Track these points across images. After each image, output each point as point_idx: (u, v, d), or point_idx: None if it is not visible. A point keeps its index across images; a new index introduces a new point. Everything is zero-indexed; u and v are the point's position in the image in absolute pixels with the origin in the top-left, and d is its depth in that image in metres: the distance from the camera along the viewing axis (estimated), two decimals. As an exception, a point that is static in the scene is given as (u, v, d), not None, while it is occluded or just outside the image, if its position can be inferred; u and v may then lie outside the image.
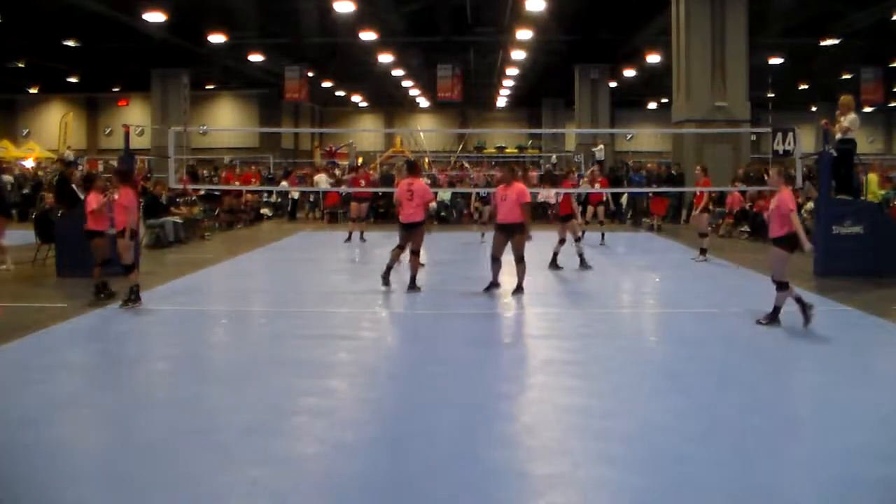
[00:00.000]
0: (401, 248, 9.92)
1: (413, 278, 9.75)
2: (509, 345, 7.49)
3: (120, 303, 8.61)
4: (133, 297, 8.62)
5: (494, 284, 9.54)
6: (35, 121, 42.78)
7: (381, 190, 18.72)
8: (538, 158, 38.98)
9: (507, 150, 44.52)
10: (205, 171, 25.20)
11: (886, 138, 46.88)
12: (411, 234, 9.74)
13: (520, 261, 9.36)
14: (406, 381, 6.09)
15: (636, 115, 44.93)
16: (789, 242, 7.49)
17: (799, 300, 7.40)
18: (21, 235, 13.04)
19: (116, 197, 8.85)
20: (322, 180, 21.96)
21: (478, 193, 18.09)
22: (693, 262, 12.54)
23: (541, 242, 11.18)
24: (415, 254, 9.76)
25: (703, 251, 12.62)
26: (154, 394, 5.73)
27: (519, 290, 9.39)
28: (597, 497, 3.95)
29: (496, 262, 9.47)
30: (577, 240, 12.04)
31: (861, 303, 8.36)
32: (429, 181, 16.49)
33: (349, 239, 15.82)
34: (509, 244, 9.37)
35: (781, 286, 7.48)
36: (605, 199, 16.20)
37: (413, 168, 10.45)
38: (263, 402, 5.40)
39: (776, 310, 7.51)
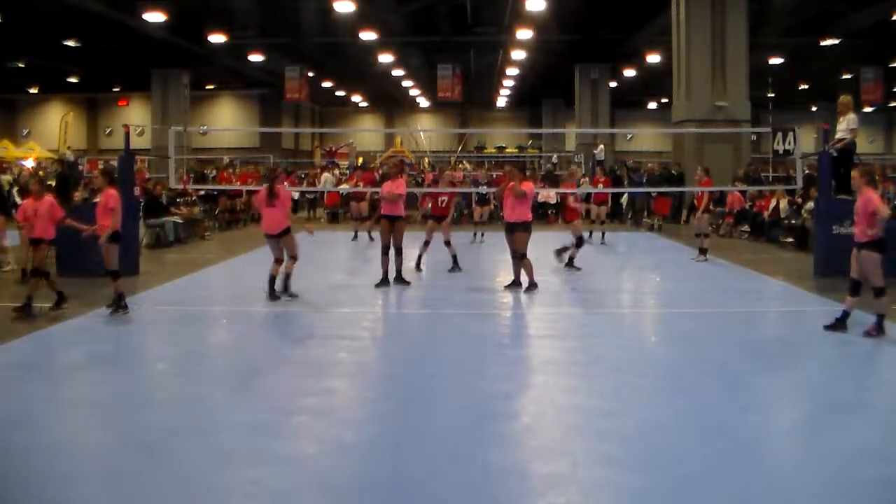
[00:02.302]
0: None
1: (396, 272, 10.08)
2: (509, 344, 7.49)
3: (110, 311, 8.21)
4: (123, 305, 8.18)
5: (516, 283, 9.75)
6: (35, 121, 42.72)
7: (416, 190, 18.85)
8: (538, 158, 38.98)
9: (508, 150, 44.51)
10: (207, 172, 25.13)
11: (886, 138, 46.85)
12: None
13: (521, 258, 9.52)
14: (406, 380, 6.09)
15: (636, 115, 44.88)
16: (879, 245, 7.20)
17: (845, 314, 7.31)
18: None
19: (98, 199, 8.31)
20: (327, 179, 22.08)
21: (476, 194, 18.08)
22: (693, 262, 12.53)
23: (544, 242, 11.19)
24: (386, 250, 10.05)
25: (702, 251, 12.61)
26: (154, 394, 5.73)
27: (516, 285, 9.57)
28: (597, 497, 3.95)
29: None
30: (447, 243, 11.51)
31: (861, 303, 8.34)
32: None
33: (356, 237, 16.20)
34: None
35: (880, 292, 7.22)
36: (607, 199, 16.31)
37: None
38: (263, 402, 5.41)
39: (879, 318, 7.22)
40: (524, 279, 9.66)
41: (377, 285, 9.92)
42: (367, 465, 4.32)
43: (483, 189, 17.58)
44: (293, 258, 9.11)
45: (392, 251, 9.95)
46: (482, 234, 16.05)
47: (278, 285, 9.07)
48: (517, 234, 9.51)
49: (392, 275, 10.08)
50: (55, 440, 4.62)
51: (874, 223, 7.14)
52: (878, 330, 7.18)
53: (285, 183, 10.54)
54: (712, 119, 18.68)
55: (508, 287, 9.70)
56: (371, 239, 15.74)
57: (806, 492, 3.98)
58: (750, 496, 3.91)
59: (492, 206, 18.01)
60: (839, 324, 7.36)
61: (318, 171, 26.23)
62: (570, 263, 11.62)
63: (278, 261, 9.05)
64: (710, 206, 13.35)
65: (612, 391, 5.70)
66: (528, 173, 21.37)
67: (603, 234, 15.78)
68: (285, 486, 4.02)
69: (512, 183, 9.60)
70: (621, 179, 21.93)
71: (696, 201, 13.38)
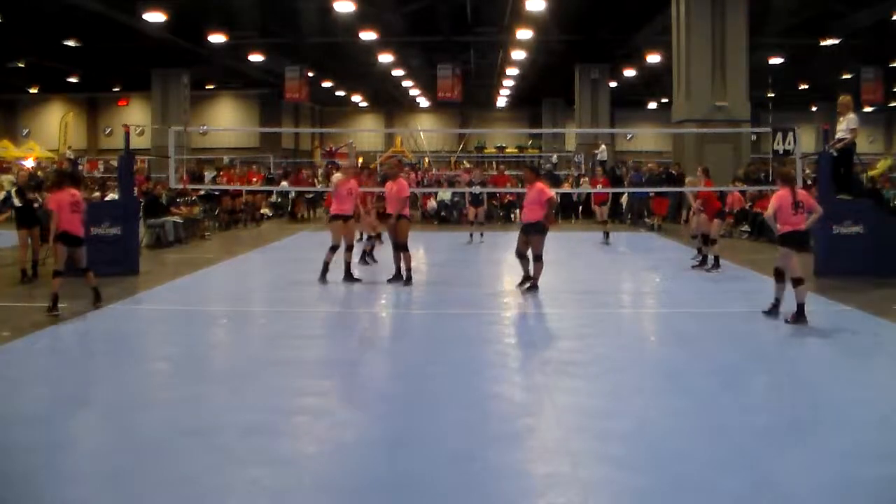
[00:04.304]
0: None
1: (398, 271, 10.28)
2: (509, 345, 7.48)
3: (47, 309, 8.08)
4: (52, 306, 8.07)
5: (526, 279, 9.75)
6: (35, 121, 42.73)
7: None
8: (538, 158, 39.00)
9: (508, 150, 44.51)
10: (206, 172, 25.12)
11: (886, 138, 46.86)
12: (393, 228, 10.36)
13: (537, 259, 9.55)
14: (406, 380, 6.09)
15: (636, 115, 44.87)
16: (785, 240, 7.73)
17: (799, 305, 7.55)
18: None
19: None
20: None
21: (472, 194, 18.06)
22: (703, 269, 12.03)
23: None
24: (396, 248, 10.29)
25: (716, 259, 11.74)
26: (154, 394, 5.73)
27: (533, 287, 9.56)
28: (597, 497, 3.95)
29: (521, 258, 9.71)
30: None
31: (861, 303, 8.35)
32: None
33: (361, 237, 16.08)
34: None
35: (797, 282, 7.63)
36: (608, 199, 16.40)
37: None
38: (263, 402, 5.40)
39: (799, 307, 7.61)
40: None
41: (389, 280, 10.20)
42: (367, 465, 4.32)
43: (477, 189, 17.54)
44: (348, 245, 10.30)
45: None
46: (481, 235, 16.05)
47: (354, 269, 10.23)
48: (533, 235, 9.49)
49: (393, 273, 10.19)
50: (55, 440, 4.61)
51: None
52: (796, 318, 7.56)
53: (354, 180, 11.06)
54: (712, 119, 18.65)
55: (527, 290, 9.57)
56: (381, 241, 15.73)
57: (806, 491, 3.98)
58: (750, 496, 3.91)
59: (486, 207, 18.00)
60: (774, 309, 7.83)
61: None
62: (716, 263, 11.64)
63: (348, 247, 10.28)
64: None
65: (612, 391, 5.69)
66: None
67: (606, 234, 15.82)
68: (285, 486, 4.02)
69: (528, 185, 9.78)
70: (621, 179, 21.93)
71: (701, 202, 12.67)
